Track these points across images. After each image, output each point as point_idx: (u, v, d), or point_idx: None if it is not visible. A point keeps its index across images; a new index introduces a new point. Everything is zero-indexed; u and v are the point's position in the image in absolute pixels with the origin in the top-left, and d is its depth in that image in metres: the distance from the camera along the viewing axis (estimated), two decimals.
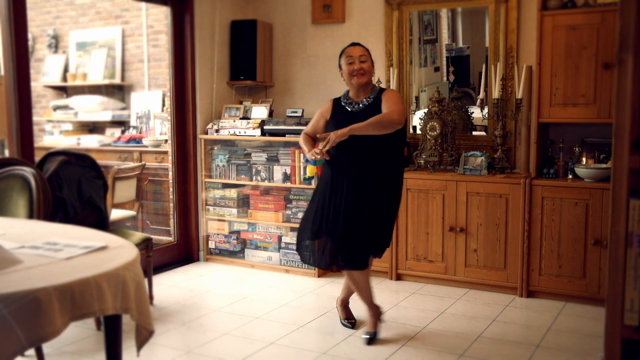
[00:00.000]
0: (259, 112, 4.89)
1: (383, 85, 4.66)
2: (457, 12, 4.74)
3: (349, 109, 3.35)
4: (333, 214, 3.27)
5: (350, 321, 3.59)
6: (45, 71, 6.86)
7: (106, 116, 6.42)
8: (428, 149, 4.43)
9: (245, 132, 4.75)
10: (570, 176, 4.04)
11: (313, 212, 3.36)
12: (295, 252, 4.61)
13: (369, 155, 3.27)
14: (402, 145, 3.42)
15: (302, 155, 4.57)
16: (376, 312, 3.43)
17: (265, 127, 4.69)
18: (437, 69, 4.89)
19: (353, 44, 3.40)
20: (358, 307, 3.60)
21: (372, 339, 3.35)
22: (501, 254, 4.12)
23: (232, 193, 4.91)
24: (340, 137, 3.12)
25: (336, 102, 3.44)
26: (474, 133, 4.58)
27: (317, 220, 3.31)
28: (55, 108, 6.67)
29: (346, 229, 3.25)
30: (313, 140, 3.45)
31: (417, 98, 4.73)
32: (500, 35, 4.35)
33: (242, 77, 5.08)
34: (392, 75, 4.64)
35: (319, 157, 3.17)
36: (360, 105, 3.34)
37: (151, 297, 3.96)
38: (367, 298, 3.43)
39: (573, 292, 3.94)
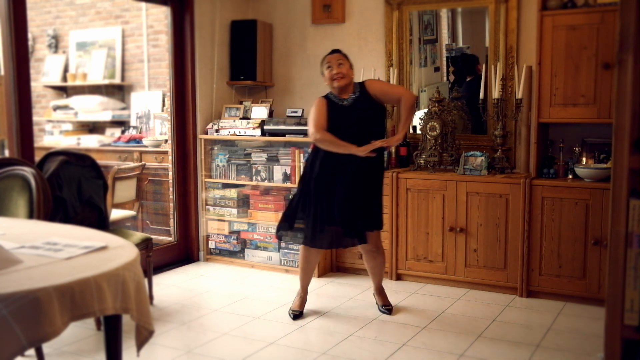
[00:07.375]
0: (259, 112, 4.89)
1: None
2: (457, 12, 4.74)
3: (342, 104, 3.62)
4: (343, 202, 3.55)
5: (387, 307, 3.80)
6: (45, 71, 6.86)
7: (106, 116, 6.42)
8: (428, 149, 4.44)
9: (245, 132, 4.75)
10: (570, 176, 4.04)
11: (324, 203, 3.57)
12: (295, 252, 4.63)
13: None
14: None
15: (302, 155, 4.57)
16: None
17: (265, 127, 4.69)
18: (437, 69, 4.89)
19: (331, 52, 3.67)
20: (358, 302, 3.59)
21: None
22: (501, 254, 4.12)
23: (232, 193, 4.91)
24: (397, 142, 3.80)
25: (327, 99, 3.66)
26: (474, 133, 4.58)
27: (331, 211, 3.56)
28: (55, 108, 6.67)
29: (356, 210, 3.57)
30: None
31: (417, 98, 4.73)
32: (500, 35, 4.35)
33: (242, 77, 5.08)
34: (392, 75, 4.64)
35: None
36: (350, 99, 3.62)
37: (151, 297, 3.96)
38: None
39: (573, 292, 3.94)
